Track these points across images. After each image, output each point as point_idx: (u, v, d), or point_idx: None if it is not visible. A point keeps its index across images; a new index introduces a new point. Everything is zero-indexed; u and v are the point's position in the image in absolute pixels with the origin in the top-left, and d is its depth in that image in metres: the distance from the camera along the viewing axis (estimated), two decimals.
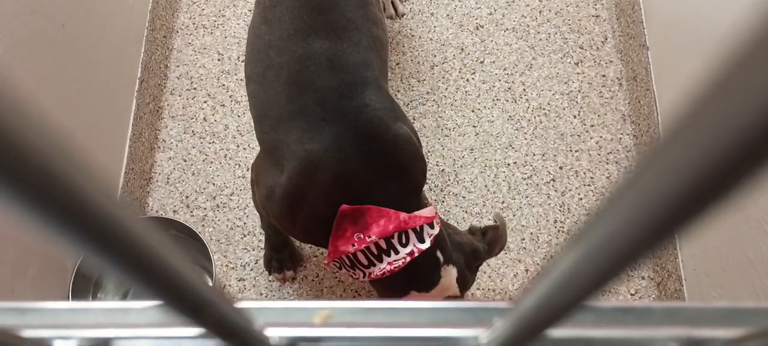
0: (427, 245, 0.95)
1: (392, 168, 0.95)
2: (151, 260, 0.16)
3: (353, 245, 0.94)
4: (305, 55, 0.96)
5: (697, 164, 0.10)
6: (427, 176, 1.49)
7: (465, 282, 1.03)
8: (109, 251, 0.15)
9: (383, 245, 0.94)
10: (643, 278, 1.41)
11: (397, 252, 0.95)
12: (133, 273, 0.16)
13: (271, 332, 0.31)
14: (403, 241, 0.95)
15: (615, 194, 0.12)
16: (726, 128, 0.10)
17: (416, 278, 0.98)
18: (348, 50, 0.97)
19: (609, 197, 0.12)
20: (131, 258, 0.15)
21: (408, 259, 0.94)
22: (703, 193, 0.11)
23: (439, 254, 0.98)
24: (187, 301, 0.18)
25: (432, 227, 0.96)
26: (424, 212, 0.96)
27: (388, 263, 0.95)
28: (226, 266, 1.44)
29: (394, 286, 1.00)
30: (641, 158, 0.11)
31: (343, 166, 0.93)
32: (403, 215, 0.94)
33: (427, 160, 1.52)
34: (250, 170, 1.17)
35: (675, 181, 0.11)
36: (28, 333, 0.32)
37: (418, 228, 0.95)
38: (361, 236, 0.93)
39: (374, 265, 0.96)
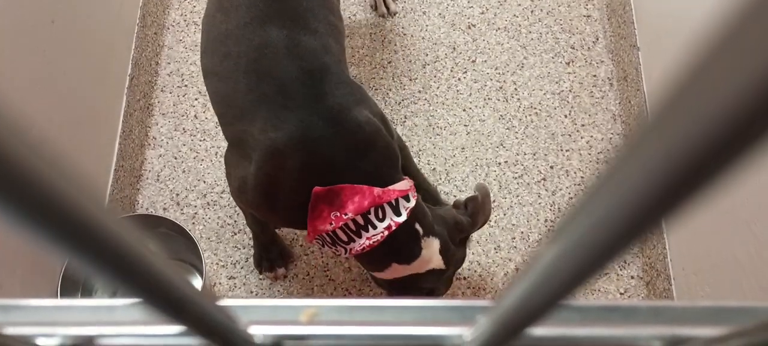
0: (403, 217, 0.96)
1: (358, 150, 0.96)
2: (128, 257, 0.16)
3: (331, 224, 0.95)
4: (263, 43, 0.96)
5: (671, 161, 0.10)
6: None
7: (449, 255, 1.03)
8: (86, 249, 0.15)
9: (360, 220, 0.95)
10: (632, 277, 1.42)
11: (374, 227, 0.96)
12: (110, 271, 0.16)
13: (256, 330, 0.31)
14: (380, 216, 0.96)
15: (591, 190, 0.12)
16: (699, 125, 0.10)
17: (396, 251, 0.99)
18: (306, 38, 0.98)
19: (585, 194, 0.12)
20: (108, 256, 0.15)
21: (386, 233, 0.96)
22: (677, 188, 0.11)
23: (417, 226, 0.99)
24: (166, 299, 0.18)
25: (408, 200, 0.98)
26: (398, 186, 0.98)
27: (367, 239, 0.96)
28: (217, 264, 1.43)
29: (375, 259, 1.01)
30: (615, 155, 0.11)
31: (310, 152, 0.94)
32: (377, 190, 0.95)
33: (417, 158, 1.52)
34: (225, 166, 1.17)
35: (649, 176, 0.11)
36: (12, 331, 0.31)
37: (393, 202, 0.96)
38: (338, 214, 0.95)
39: (354, 241, 0.97)
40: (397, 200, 0.96)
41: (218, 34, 1.01)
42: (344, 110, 0.95)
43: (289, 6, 0.99)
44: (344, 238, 0.97)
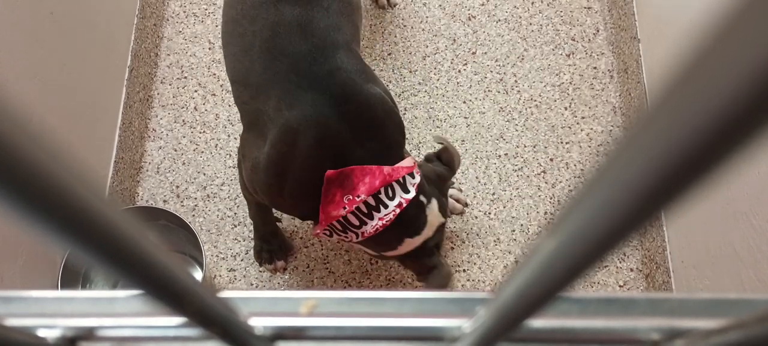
0: (412, 194, 0.98)
1: (369, 127, 0.98)
2: (129, 248, 0.16)
3: (344, 208, 0.96)
4: (276, 21, 0.98)
5: (670, 151, 0.10)
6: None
7: (444, 208, 1.08)
8: (87, 240, 0.15)
9: (372, 202, 0.97)
10: (631, 269, 1.42)
11: (386, 206, 0.97)
12: (110, 263, 0.16)
13: (256, 322, 0.31)
14: (390, 194, 0.97)
15: (589, 182, 0.12)
16: (699, 116, 0.10)
17: (407, 227, 1.01)
18: (318, 15, 0.99)
19: (584, 186, 0.12)
20: (108, 247, 0.15)
21: (398, 211, 0.97)
22: (676, 179, 0.11)
23: (422, 198, 1.02)
24: (167, 290, 0.18)
25: (413, 176, 1.00)
26: (405, 163, 1.00)
27: (379, 219, 0.97)
28: (217, 256, 1.44)
29: (387, 240, 1.02)
30: (614, 146, 0.11)
31: (323, 130, 0.95)
32: (386, 169, 0.96)
33: (417, 150, 1.52)
34: (238, 153, 1.17)
35: (648, 167, 0.11)
36: (13, 322, 0.31)
37: (401, 179, 0.98)
38: (350, 197, 0.96)
39: (366, 224, 0.98)
40: (404, 178, 0.98)
41: (235, 14, 1.03)
42: (356, 88, 0.97)
43: None
44: (356, 222, 0.98)
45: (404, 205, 0.97)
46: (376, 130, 0.98)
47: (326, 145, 0.96)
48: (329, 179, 0.95)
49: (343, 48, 0.99)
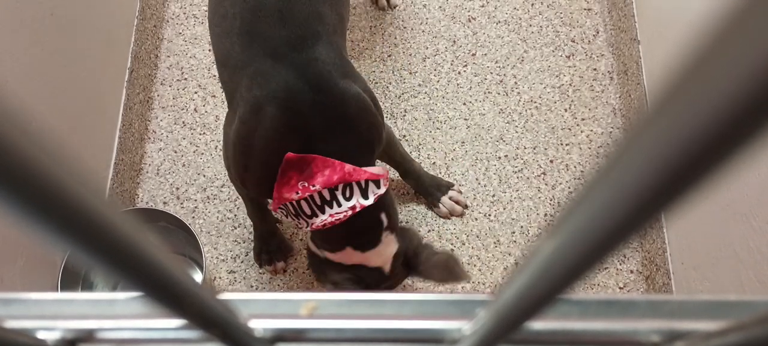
0: (370, 201, 0.96)
1: (339, 122, 0.96)
2: (129, 250, 0.16)
3: (297, 193, 0.95)
4: (257, 5, 0.97)
5: (670, 153, 0.10)
6: None
7: (397, 265, 1.00)
8: (87, 241, 0.15)
9: (326, 195, 0.95)
10: (631, 271, 1.42)
11: (339, 205, 0.95)
12: (111, 265, 0.16)
13: (256, 324, 0.31)
14: (347, 194, 0.95)
15: (589, 183, 0.12)
16: (699, 117, 0.10)
17: (355, 235, 0.98)
18: (301, 3, 0.98)
19: (584, 187, 0.12)
20: (108, 249, 0.15)
21: (349, 213, 0.95)
22: (676, 181, 0.11)
23: (383, 216, 0.99)
24: (167, 292, 0.18)
25: (378, 186, 0.97)
26: (372, 169, 0.97)
27: (330, 215, 0.95)
28: (217, 258, 1.44)
29: (332, 239, 1.00)
30: (614, 148, 0.11)
31: (290, 114, 0.94)
32: (348, 167, 0.94)
33: (417, 152, 1.52)
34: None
35: (648, 169, 0.11)
36: (13, 324, 0.31)
37: (362, 183, 0.96)
38: (306, 184, 0.94)
39: (316, 216, 0.96)
40: (366, 183, 0.96)
41: None
42: (330, 80, 0.96)
43: None
44: (308, 211, 0.97)
45: (358, 209, 0.95)
46: (346, 127, 0.97)
47: (293, 129, 0.95)
48: (289, 161, 0.94)
49: (323, 39, 0.98)
